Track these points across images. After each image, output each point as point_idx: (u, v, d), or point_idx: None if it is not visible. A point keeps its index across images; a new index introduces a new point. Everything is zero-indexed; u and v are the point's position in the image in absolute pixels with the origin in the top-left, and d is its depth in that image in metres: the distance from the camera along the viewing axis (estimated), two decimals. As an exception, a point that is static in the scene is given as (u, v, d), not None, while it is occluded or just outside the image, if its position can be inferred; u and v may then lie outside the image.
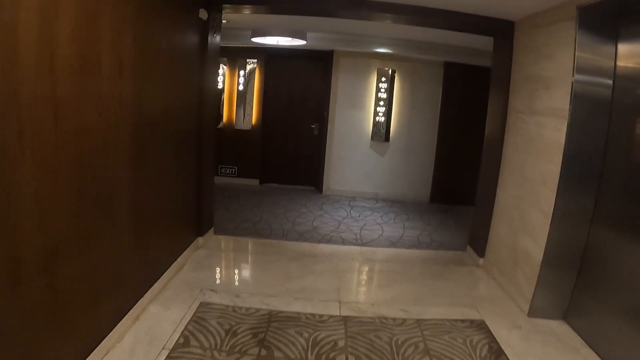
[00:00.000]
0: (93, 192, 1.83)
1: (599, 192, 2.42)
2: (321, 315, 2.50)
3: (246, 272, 3.28)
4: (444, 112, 5.66)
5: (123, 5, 1.95)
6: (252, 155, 6.04)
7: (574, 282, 2.55)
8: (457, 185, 5.78)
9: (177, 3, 2.65)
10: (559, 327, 2.53)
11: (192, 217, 3.29)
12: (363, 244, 3.97)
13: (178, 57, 2.74)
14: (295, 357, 2.09)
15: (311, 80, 5.95)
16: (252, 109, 5.95)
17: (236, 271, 3.30)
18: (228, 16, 3.72)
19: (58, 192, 1.59)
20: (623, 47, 2.29)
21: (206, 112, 3.31)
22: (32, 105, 1.40)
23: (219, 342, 2.16)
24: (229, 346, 2.13)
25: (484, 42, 3.71)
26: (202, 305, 2.52)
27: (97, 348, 1.91)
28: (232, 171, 6.10)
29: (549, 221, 2.51)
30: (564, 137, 2.42)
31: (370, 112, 5.69)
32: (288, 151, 6.11)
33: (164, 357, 2.00)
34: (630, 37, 2.25)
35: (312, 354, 2.12)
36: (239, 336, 2.23)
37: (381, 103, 5.61)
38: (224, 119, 5.97)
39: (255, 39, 4.61)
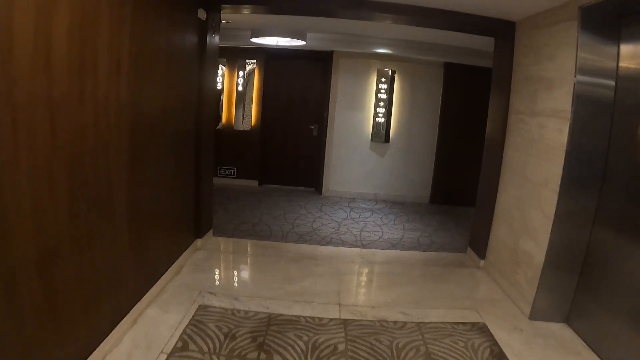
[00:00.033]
0: (90, 194, 1.81)
1: (601, 193, 2.41)
2: (321, 319, 2.48)
3: (245, 275, 3.26)
4: (444, 112, 5.64)
5: (120, 5, 1.92)
6: (252, 156, 6.02)
7: (575, 285, 2.53)
8: (457, 186, 5.76)
9: (176, 3, 2.63)
10: (560, 330, 2.51)
11: (190, 218, 3.26)
12: (363, 246, 3.95)
13: (177, 57, 2.72)
14: (295, 361, 2.07)
15: (311, 81, 5.93)
16: (251, 109, 5.92)
17: (235, 273, 3.27)
18: (227, 16, 3.71)
19: (55, 193, 1.56)
20: (625, 48, 2.27)
21: (205, 113, 3.29)
22: (28, 105, 1.38)
23: (217, 346, 2.14)
24: (227, 350, 2.11)
25: (484, 43, 3.70)
26: (201, 308, 2.49)
27: (94, 352, 1.88)
28: (231, 172, 6.08)
29: (551, 222, 2.49)
30: (566, 138, 2.40)
31: (370, 113, 5.67)
32: (287, 152, 6.09)
33: (162, 361, 1.97)
34: (632, 37, 2.23)
35: (311, 358, 2.10)
36: (238, 340, 2.20)
37: (381, 104, 5.59)
38: (223, 119, 5.95)
39: (254, 39, 4.59)
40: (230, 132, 5.96)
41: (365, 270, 3.46)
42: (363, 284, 3.26)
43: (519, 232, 2.88)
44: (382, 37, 4.83)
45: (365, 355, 2.15)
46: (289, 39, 4.52)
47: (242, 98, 5.89)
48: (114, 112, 1.94)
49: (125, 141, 2.07)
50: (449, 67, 5.48)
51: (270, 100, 5.93)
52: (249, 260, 3.52)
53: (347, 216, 4.92)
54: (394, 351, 2.20)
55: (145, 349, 2.05)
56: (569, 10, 2.41)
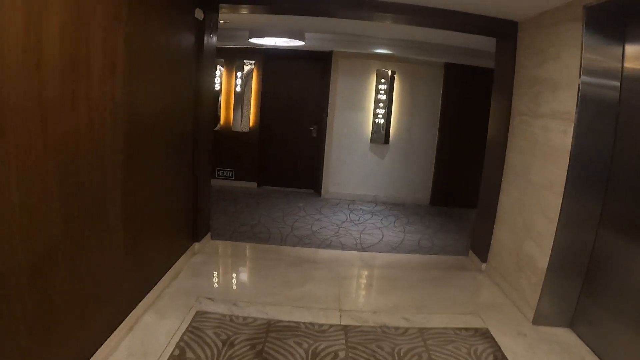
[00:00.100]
0: (84, 198, 1.76)
1: (606, 196, 2.37)
2: (321, 325, 2.43)
3: (244, 279, 3.21)
4: (444, 113, 5.60)
5: (115, 4, 1.87)
6: (250, 157, 5.97)
7: (580, 289, 2.49)
8: (457, 187, 5.72)
9: (173, 2, 2.58)
10: (564, 335, 2.47)
11: (188, 221, 3.21)
12: (363, 249, 3.90)
13: (173, 58, 2.67)
14: (295, 369, 2.02)
15: (310, 82, 5.89)
16: (249, 110, 5.87)
17: (234, 278, 3.22)
18: (225, 16, 3.66)
19: (47, 198, 1.51)
20: (631, 48, 2.23)
21: (203, 114, 3.24)
22: (18, 108, 1.33)
23: (215, 353, 2.08)
24: (226, 358, 2.05)
25: (485, 43, 3.66)
26: (199, 314, 2.44)
27: (89, 361, 1.83)
28: (229, 174, 6.02)
29: (555, 226, 2.45)
30: (570, 140, 2.36)
31: (370, 114, 5.63)
32: (286, 153, 6.04)
33: (158, 370, 1.93)
34: (637, 38, 2.19)
35: (312, 365, 2.05)
36: (236, 347, 2.15)
37: (381, 105, 5.55)
38: (221, 121, 5.90)
39: (252, 40, 4.54)
40: (228, 134, 5.91)
41: (366, 274, 3.41)
42: (363, 288, 3.21)
43: (522, 236, 2.84)
44: (382, 37, 4.79)
45: (367, 362, 2.11)
46: (287, 39, 4.48)
47: (240, 99, 5.84)
48: (109, 113, 1.89)
49: (120, 144, 2.01)
50: (449, 68, 5.44)
51: (269, 101, 5.88)
52: (247, 265, 3.47)
53: (347, 218, 4.88)
54: (396, 358, 2.15)
55: (142, 357, 2.00)
56: (573, 11, 2.37)
